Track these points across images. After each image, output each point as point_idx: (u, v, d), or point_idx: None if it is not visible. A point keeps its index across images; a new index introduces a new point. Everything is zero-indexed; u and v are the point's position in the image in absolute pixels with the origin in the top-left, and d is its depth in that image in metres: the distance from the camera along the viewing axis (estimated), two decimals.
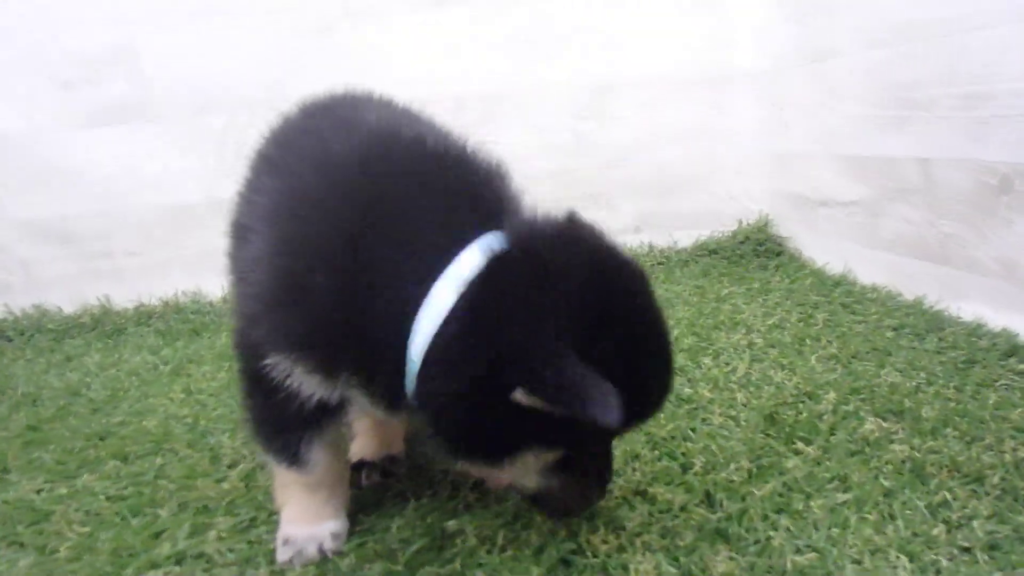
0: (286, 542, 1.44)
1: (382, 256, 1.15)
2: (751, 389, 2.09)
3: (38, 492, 1.80)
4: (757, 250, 3.63)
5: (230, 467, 1.85)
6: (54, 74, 3.35)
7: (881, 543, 1.37)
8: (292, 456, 1.38)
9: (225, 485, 1.74)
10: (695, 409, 1.99)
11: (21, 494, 1.79)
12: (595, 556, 1.38)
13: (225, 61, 3.42)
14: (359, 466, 1.76)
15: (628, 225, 3.81)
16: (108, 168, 3.40)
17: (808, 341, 2.42)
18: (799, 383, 2.08)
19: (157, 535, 1.56)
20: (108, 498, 1.74)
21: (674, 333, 2.53)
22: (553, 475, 1.26)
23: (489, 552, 1.42)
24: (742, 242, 3.68)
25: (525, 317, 1.08)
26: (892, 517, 1.44)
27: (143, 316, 3.45)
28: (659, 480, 1.64)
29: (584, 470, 1.27)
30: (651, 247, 3.79)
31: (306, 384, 1.24)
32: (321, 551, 1.43)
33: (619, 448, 1.77)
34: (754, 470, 1.64)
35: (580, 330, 1.07)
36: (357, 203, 1.18)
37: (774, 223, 3.74)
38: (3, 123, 3.36)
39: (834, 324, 2.57)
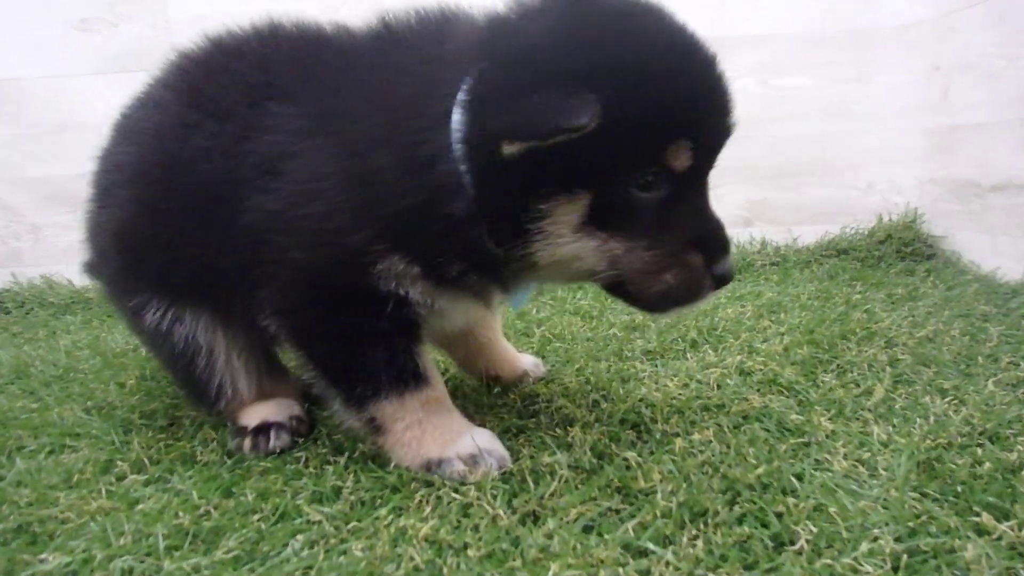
0: (474, 460, 1.28)
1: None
2: (894, 422, 1.40)
3: None
4: (902, 251, 2.88)
5: None
6: (68, 16, 2.95)
7: None
8: (414, 373, 1.31)
9: None
10: (805, 445, 1.31)
11: None
12: None
13: (253, 4, 2.94)
14: None
15: (736, 216, 3.13)
16: None
17: (980, 360, 1.69)
18: (970, 416, 1.37)
19: None
20: None
21: (784, 341, 1.86)
22: (615, 241, 1.17)
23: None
24: (882, 241, 2.94)
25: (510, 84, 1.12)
26: None
27: None
28: (729, 559, 0.97)
29: (669, 236, 1.18)
30: (764, 244, 3.08)
31: (412, 289, 1.25)
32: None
33: (679, 498, 1.12)
34: (904, 557, 0.95)
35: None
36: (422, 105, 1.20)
37: (925, 219, 2.98)
38: (17, 69, 2.98)
39: (1016, 341, 1.82)
